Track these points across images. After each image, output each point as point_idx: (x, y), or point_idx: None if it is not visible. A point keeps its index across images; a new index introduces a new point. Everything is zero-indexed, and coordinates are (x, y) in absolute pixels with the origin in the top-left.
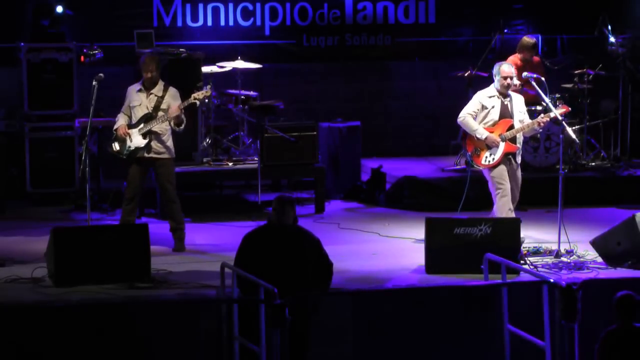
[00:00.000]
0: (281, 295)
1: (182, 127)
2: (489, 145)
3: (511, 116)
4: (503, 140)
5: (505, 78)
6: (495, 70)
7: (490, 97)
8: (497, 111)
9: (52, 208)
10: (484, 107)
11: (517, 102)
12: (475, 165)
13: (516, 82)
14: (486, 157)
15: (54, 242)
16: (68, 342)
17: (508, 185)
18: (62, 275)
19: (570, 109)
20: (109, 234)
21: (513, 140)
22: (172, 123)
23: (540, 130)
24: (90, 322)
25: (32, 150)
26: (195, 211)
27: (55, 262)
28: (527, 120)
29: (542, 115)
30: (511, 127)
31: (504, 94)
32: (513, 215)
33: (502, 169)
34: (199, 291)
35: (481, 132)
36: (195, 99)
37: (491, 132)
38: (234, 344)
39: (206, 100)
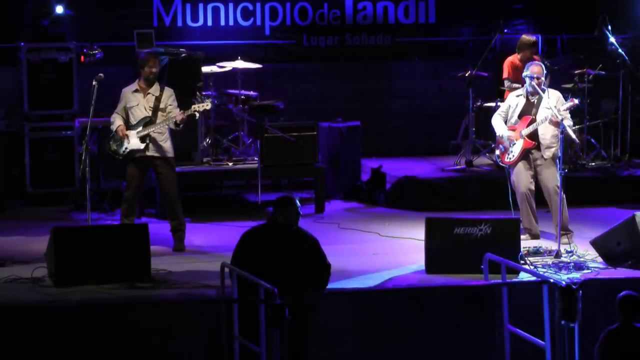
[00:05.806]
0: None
1: (182, 126)
2: (509, 144)
3: (534, 113)
4: (522, 137)
5: (531, 78)
6: (525, 71)
7: (517, 96)
8: (519, 109)
9: (52, 208)
10: (510, 107)
11: (548, 99)
12: (501, 163)
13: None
14: (508, 155)
15: (54, 242)
16: (68, 342)
17: (521, 187)
18: (62, 275)
19: (577, 101)
20: (109, 234)
21: (531, 136)
22: (172, 123)
23: (561, 129)
24: (90, 322)
25: (32, 150)
26: (195, 211)
27: (55, 262)
28: (552, 116)
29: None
30: (531, 122)
31: (531, 92)
32: (530, 211)
33: (519, 169)
34: (199, 291)
35: (499, 130)
36: (195, 110)
37: (513, 129)
38: (234, 344)
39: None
